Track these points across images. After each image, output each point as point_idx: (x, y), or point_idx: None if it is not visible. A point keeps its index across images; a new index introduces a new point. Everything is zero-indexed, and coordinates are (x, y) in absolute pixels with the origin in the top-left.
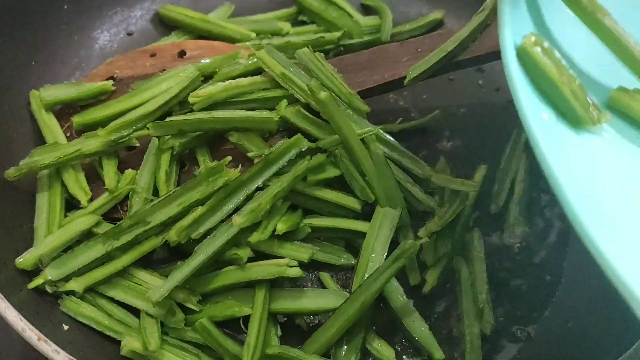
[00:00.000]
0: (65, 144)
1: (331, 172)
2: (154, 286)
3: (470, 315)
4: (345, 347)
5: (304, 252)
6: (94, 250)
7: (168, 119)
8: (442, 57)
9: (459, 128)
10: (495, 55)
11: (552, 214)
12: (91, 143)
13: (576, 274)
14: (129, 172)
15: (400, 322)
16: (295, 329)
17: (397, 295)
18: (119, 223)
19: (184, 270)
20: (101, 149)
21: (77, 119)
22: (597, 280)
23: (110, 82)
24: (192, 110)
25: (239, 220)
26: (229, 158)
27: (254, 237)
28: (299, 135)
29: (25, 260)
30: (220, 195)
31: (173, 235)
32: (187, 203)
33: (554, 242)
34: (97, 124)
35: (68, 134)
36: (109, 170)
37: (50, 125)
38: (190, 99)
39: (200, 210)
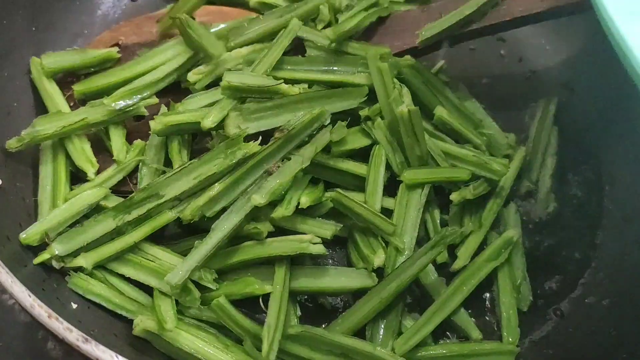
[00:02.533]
0: (69, 113)
1: (357, 143)
2: (169, 264)
3: (506, 292)
4: (382, 329)
5: (327, 228)
6: (104, 225)
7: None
8: (458, 21)
9: (482, 99)
10: (520, 22)
11: (585, 188)
12: (97, 112)
13: (611, 251)
14: (138, 142)
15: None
16: (314, 309)
17: (430, 274)
18: (130, 196)
19: (202, 250)
20: (108, 118)
21: (79, 87)
22: (633, 256)
23: (116, 49)
24: None
25: (259, 200)
26: (247, 130)
27: (278, 213)
28: (322, 108)
29: (29, 235)
30: (238, 173)
31: (188, 214)
32: (203, 176)
33: (587, 217)
34: (100, 93)
35: (71, 104)
36: (116, 141)
37: (52, 94)
38: (191, 77)
39: (217, 188)
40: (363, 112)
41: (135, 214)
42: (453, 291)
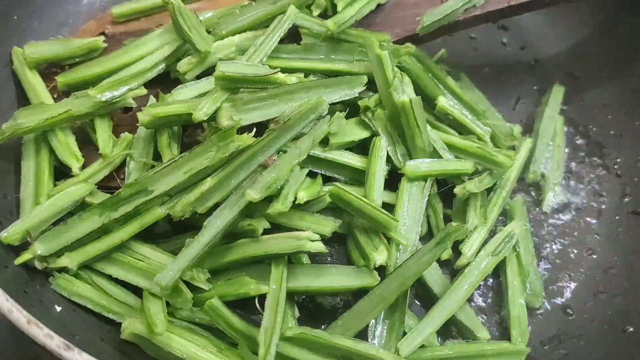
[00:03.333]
0: (53, 105)
1: (357, 134)
2: (159, 263)
3: (514, 289)
4: (385, 330)
5: (326, 224)
6: (89, 223)
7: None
8: (460, 6)
9: (483, 89)
10: (524, 7)
11: (593, 180)
12: (82, 103)
13: (622, 245)
14: (126, 135)
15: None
16: (313, 309)
17: (433, 272)
18: (117, 192)
19: (193, 249)
20: (93, 110)
21: (63, 79)
22: None
23: (101, 38)
24: None
25: (253, 195)
26: (241, 121)
27: (274, 208)
28: (319, 98)
29: (10, 234)
30: (231, 167)
31: (178, 211)
32: (195, 171)
33: (597, 211)
34: (85, 84)
35: (55, 96)
36: (102, 134)
37: (35, 85)
38: (180, 67)
39: (209, 183)
40: (362, 103)
41: (122, 210)
42: (457, 289)
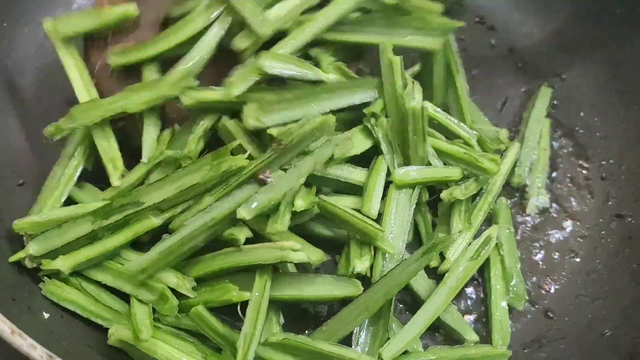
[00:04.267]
0: (106, 100)
1: (358, 147)
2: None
3: (497, 292)
4: (370, 336)
5: (314, 253)
6: (81, 228)
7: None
8: None
9: (472, 91)
10: None
11: (578, 183)
12: (137, 98)
13: (604, 249)
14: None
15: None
16: (298, 315)
17: (421, 279)
18: (109, 202)
19: (167, 242)
20: (148, 106)
21: (117, 59)
22: (626, 254)
23: (133, 5)
24: None
25: (244, 215)
26: (237, 141)
27: (272, 228)
28: (327, 116)
29: (21, 224)
30: (229, 187)
31: (177, 226)
32: (185, 186)
33: (580, 214)
34: (139, 64)
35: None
36: (148, 137)
37: (75, 64)
38: (238, 44)
39: (205, 202)
40: (368, 110)
41: (113, 219)
42: (438, 294)
